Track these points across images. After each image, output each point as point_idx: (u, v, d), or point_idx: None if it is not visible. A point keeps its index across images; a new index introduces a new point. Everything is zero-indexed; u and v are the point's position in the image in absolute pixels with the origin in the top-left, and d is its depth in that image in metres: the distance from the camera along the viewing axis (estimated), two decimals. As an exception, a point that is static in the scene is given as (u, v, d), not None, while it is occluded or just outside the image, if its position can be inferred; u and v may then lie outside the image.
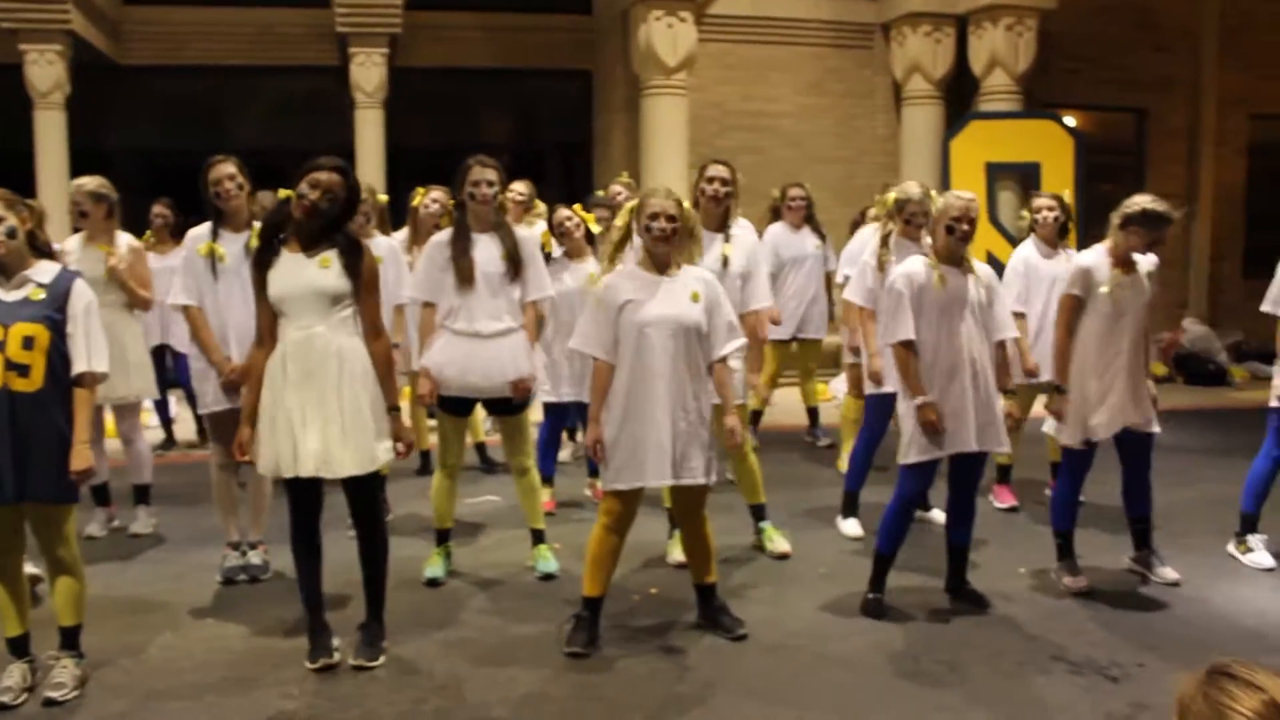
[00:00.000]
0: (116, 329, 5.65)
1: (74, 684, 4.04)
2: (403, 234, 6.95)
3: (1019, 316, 6.09)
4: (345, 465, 4.08)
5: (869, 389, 5.82)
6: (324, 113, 12.21)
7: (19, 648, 4.10)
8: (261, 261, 4.13)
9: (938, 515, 5.82)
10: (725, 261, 5.29)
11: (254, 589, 5.21)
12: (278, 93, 12.57)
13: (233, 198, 5.10)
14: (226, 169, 5.10)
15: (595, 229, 6.35)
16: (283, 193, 4.25)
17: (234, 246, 5.13)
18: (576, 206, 6.41)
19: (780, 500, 6.47)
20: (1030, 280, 6.15)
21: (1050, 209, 6.22)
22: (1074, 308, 4.95)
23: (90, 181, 5.90)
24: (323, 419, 4.05)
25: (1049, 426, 5.14)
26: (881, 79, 12.42)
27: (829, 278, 8.06)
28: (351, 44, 11.11)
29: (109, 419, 6.32)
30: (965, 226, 4.62)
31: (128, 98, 12.14)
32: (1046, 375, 5.99)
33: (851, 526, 5.97)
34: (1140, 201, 4.91)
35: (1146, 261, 5.03)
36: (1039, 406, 6.35)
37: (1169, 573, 5.17)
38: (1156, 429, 5.07)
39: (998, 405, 4.69)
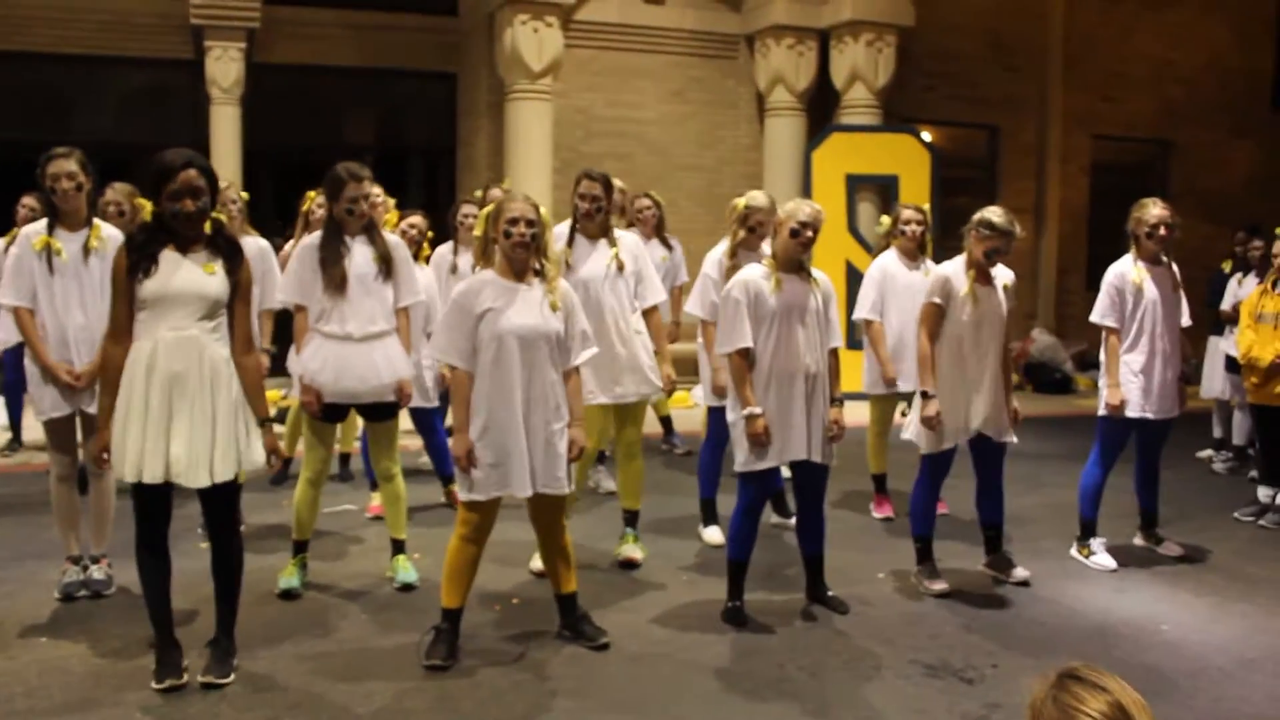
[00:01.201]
0: None
1: None
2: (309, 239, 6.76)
3: (871, 323, 6.26)
4: (213, 471, 3.93)
5: (712, 401, 5.83)
6: (177, 107, 11.78)
7: None
8: (137, 267, 3.91)
9: (794, 522, 5.89)
10: (620, 266, 5.29)
11: (96, 606, 4.95)
12: (128, 85, 12.07)
13: (70, 196, 4.86)
14: (66, 166, 4.84)
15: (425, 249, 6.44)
16: (147, 211, 4.06)
17: (72, 245, 4.89)
18: (425, 225, 6.38)
19: (643, 508, 6.47)
20: (887, 290, 6.29)
21: (916, 220, 6.37)
22: (936, 315, 5.08)
23: None
24: (190, 423, 3.88)
25: (909, 433, 5.25)
26: (745, 89, 12.58)
27: (676, 291, 8.09)
28: (207, 37, 10.77)
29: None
30: (810, 234, 4.67)
31: (-36, 85, 11.52)
32: (905, 384, 6.18)
33: (713, 534, 6.00)
34: (984, 212, 5.09)
35: (1003, 275, 5.19)
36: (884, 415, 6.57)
37: (1020, 572, 5.34)
38: (1012, 439, 5.24)
39: (826, 414, 4.75)
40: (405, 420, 6.66)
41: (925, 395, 5.07)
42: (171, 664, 4.08)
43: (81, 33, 11.40)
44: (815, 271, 4.81)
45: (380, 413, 5.10)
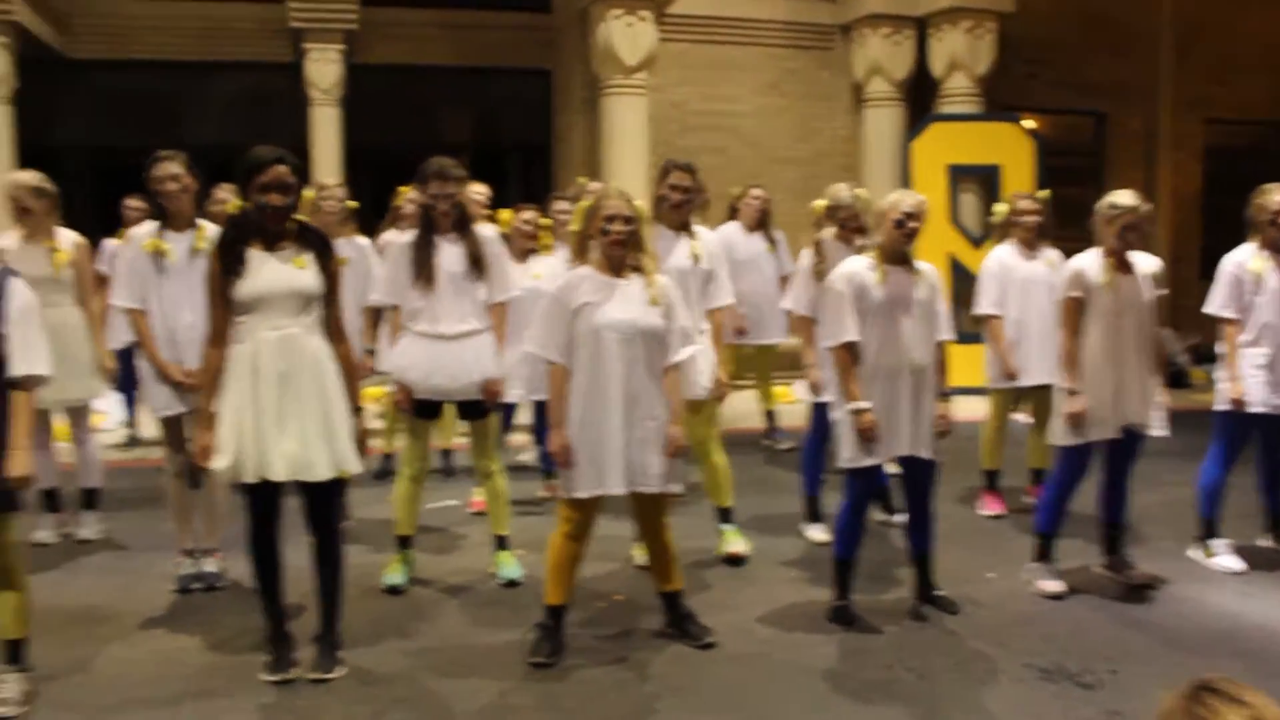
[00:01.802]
0: (64, 329, 5.50)
1: (19, 699, 3.89)
2: (393, 234, 6.86)
3: (993, 319, 6.10)
4: (322, 468, 3.97)
5: (811, 396, 5.75)
6: (278, 110, 11.98)
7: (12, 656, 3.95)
8: (228, 268, 3.97)
9: (902, 519, 5.77)
10: (696, 258, 5.23)
11: (209, 599, 5.07)
12: (230, 89, 12.32)
13: (175, 198, 4.96)
14: (170, 168, 4.95)
15: (549, 244, 6.47)
16: (232, 205, 4.12)
17: (179, 246, 5.00)
18: (546, 222, 6.38)
19: (744, 505, 6.38)
20: (1006, 282, 6.12)
21: (1033, 211, 6.19)
22: (1075, 310, 4.91)
23: (30, 176, 5.73)
24: (300, 420, 3.93)
25: (1052, 431, 5.08)
26: (842, 80, 12.41)
27: (784, 282, 8.01)
28: (306, 40, 10.93)
29: (60, 422, 6.14)
30: (914, 224, 4.56)
31: (75, 92, 11.86)
32: (1027, 379, 6.02)
33: (817, 531, 5.91)
34: (1108, 195, 4.93)
35: (1147, 262, 5.01)
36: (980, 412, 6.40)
37: (1141, 574, 5.15)
38: (1162, 431, 5.04)
39: (932, 409, 4.64)
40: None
41: (1070, 392, 4.90)
42: (283, 657, 4.15)
43: (185, 40, 11.67)
44: (921, 263, 4.70)
45: (475, 411, 5.12)
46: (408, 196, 6.75)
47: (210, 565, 5.21)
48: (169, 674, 4.22)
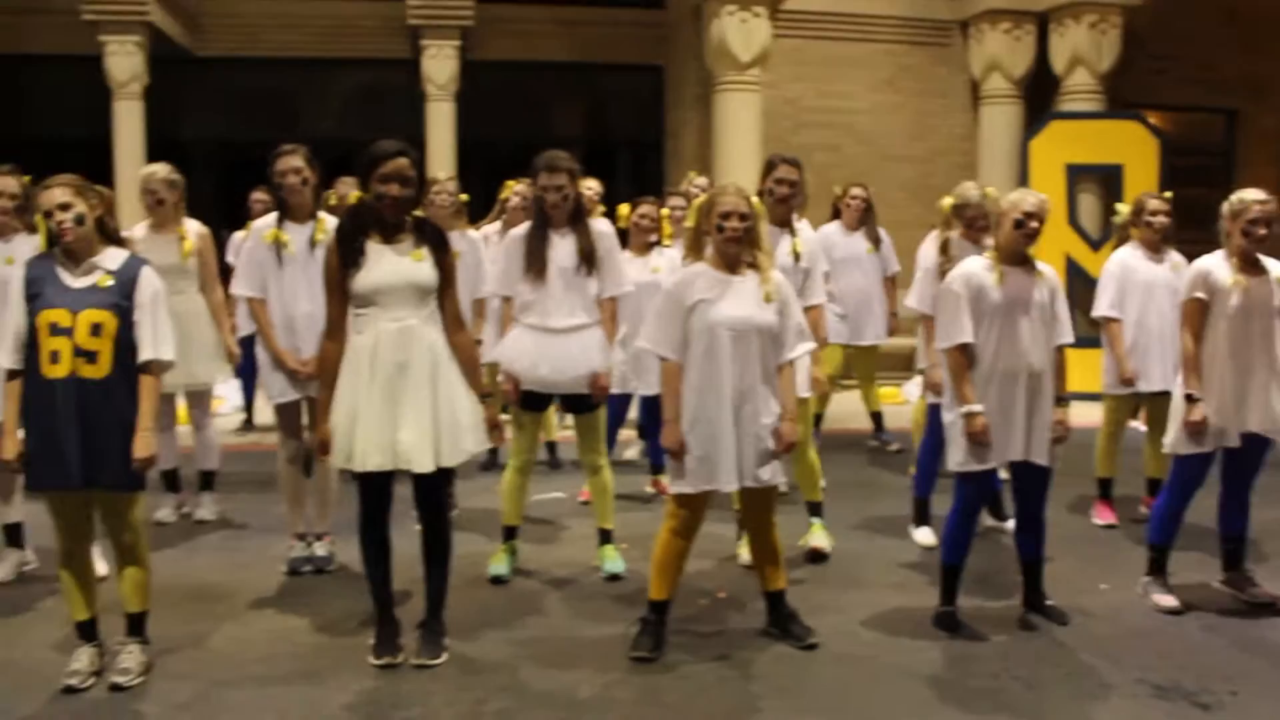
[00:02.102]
0: (187, 316, 5.68)
1: (139, 670, 4.04)
2: (493, 227, 6.98)
3: (1112, 321, 5.91)
4: (435, 459, 4.02)
5: (930, 398, 5.67)
6: (395, 105, 12.24)
7: (87, 632, 4.10)
8: (346, 260, 4.05)
9: (1012, 526, 5.65)
10: (797, 256, 5.19)
11: (318, 581, 5.19)
12: (350, 85, 12.63)
13: (296, 190, 5.08)
14: (292, 161, 5.08)
15: (668, 241, 6.45)
16: (353, 196, 4.20)
17: (299, 237, 5.12)
18: (665, 212, 6.39)
19: (850, 507, 6.35)
20: (1127, 285, 5.91)
21: (1162, 211, 5.96)
22: (1198, 312, 4.72)
23: (162, 168, 5.93)
24: (416, 411, 3.99)
25: (1169, 439, 4.91)
26: (959, 77, 12.19)
27: (890, 282, 7.93)
28: (423, 37, 11.12)
29: (181, 405, 6.35)
30: (1035, 224, 4.43)
31: (203, 89, 12.27)
32: (1145, 385, 5.83)
33: (924, 535, 5.81)
34: (1234, 194, 4.73)
35: (1275, 267, 4.80)
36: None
37: (1264, 592, 4.95)
38: None
39: (1049, 414, 4.50)
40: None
41: (1190, 399, 4.73)
42: (389, 642, 4.21)
43: (307, 37, 11.99)
44: (1041, 264, 4.57)
45: (581, 404, 5.14)
46: (514, 190, 6.83)
47: (320, 549, 5.33)
48: (279, 653, 4.33)
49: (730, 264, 4.23)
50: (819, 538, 5.54)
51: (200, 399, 6.21)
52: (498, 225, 7.01)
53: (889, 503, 6.54)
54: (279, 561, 5.34)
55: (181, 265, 5.81)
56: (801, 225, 5.39)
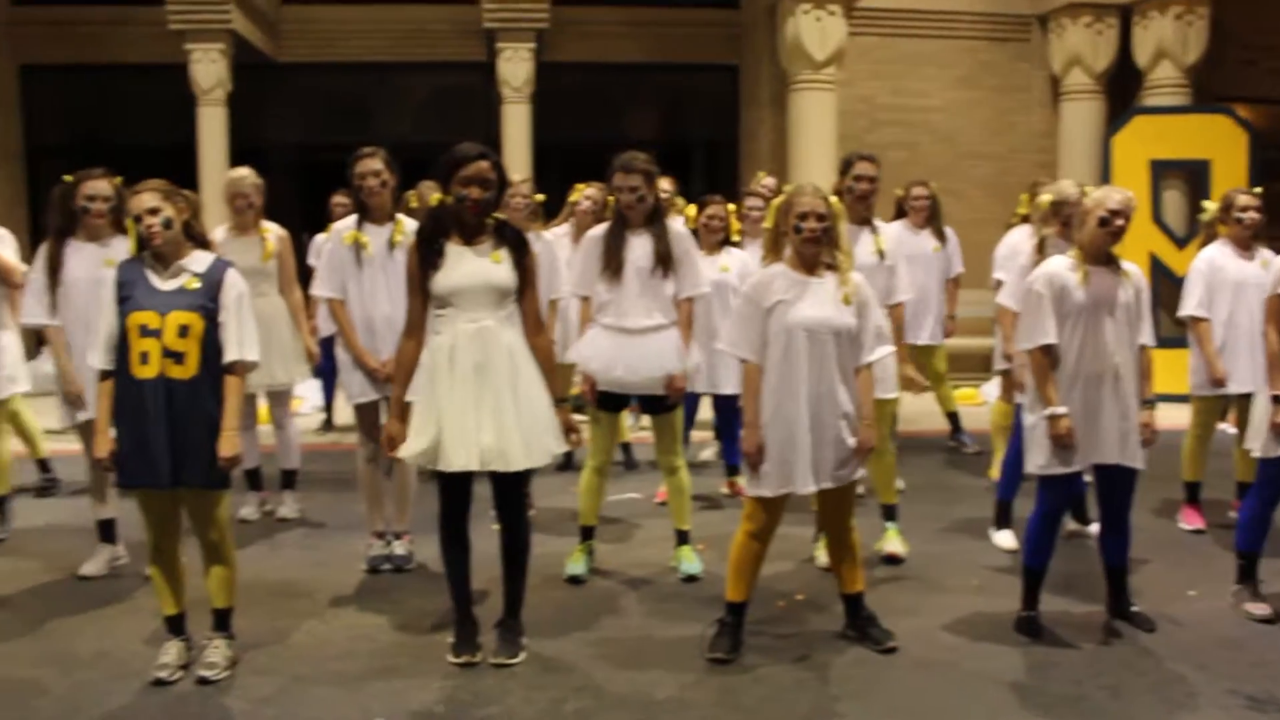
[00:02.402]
0: (268, 317, 5.78)
1: (225, 664, 4.12)
2: (563, 229, 7.02)
3: (1199, 321, 5.77)
4: (519, 459, 4.05)
5: (1018, 398, 5.56)
6: (470, 108, 12.36)
7: (176, 626, 4.20)
8: (426, 261, 4.10)
9: (1096, 530, 5.54)
10: (881, 254, 5.13)
11: (397, 579, 5.25)
12: (425, 88, 12.77)
13: (375, 193, 5.14)
14: (372, 164, 5.14)
15: (734, 234, 6.43)
16: (434, 198, 4.25)
17: (378, 239, 5.18)
18: (732, 208, 6.38)
19: (929, 510, 6.28)
20: (1215, 283, 5.76)
21: (1254, 207, 5.79)
22: None
23: (250, 173, 6.03)
24: (493, 412, 4.02)
25: (1254, 442, 4.77)
26: (1038, 72, 11.98)
27: (953, 284, 7.83)
28: (499, 39, 11.19)
29: (263, 405, 6.47)
30: (1120, 222, 4.33)
31: (282, 94, 12.48)
32: (1235, 386, 5.68)
33: (1005, 539, 5.71)
34: None
35: None
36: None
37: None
38: None
39: (1135, 416, 4.40)
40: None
41: (1277, 400, 4.57)
42: (468, 640, 4.25)
43: (384, 42, 12.13)
44: (1126, 263, 4.47)
45: (657, 405, 5.13)
46: (584, 194, 6.86)
47: (399, 548, 5.39)
48: (358, 649, 4.39)
49: (809, 265, 4.20)
50: (894, 543, 5.49)
51: (281, 399, 6.32)
52: (567, 227, 7.05)
53: (967, 505, 6.46)
54: (358, 559, 5.41)
55: (262, 267, 5.92)
56: (880, 223, 5.35)
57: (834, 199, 4.25)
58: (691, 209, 6.45)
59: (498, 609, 4.39)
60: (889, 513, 5.55)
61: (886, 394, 5.18)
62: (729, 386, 6.21)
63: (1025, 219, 6.37)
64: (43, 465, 6.94)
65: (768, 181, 7.80)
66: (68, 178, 5.22)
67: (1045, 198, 5.53)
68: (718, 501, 6.60)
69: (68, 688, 4.04)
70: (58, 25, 11.76)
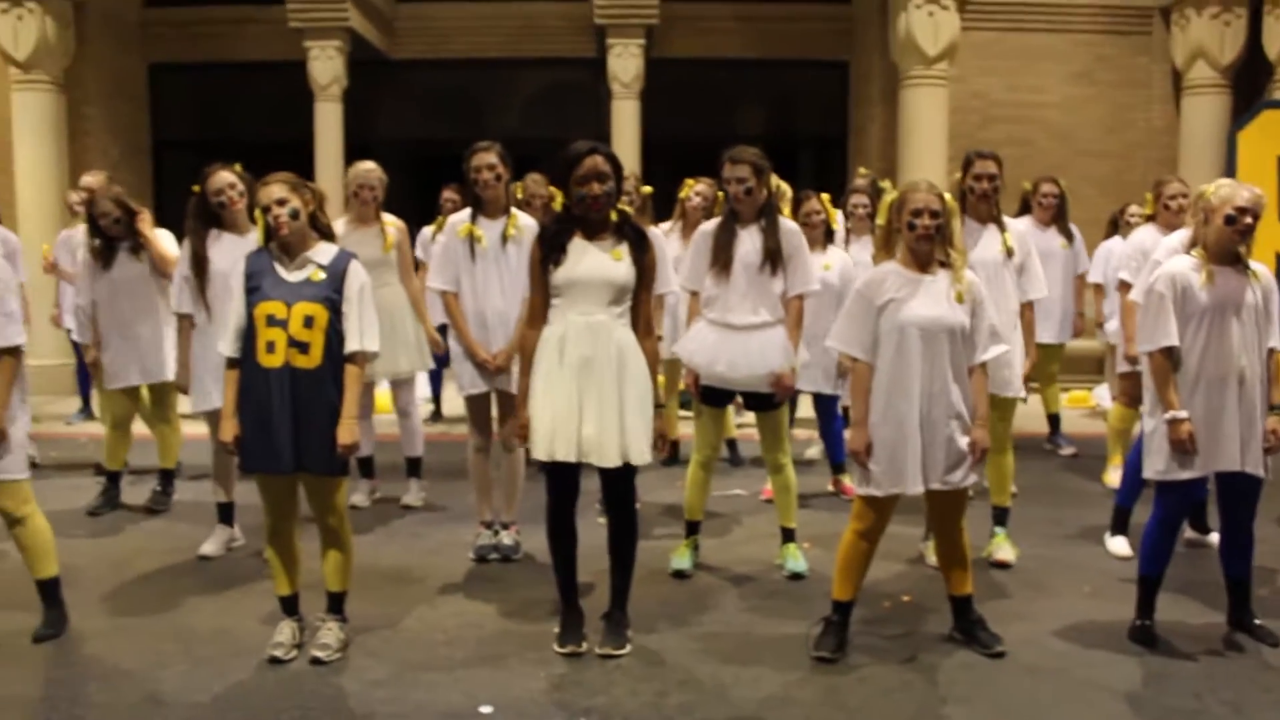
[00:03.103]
0: (391, 307, 5.91)
1: (338, 646, 4.23)
2: (671, 224, 7.04)
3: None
4: (616, 455, 4.09)
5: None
6: (580, 103, 12.47)
7: (289, 607, 4.33)
8: (548, 256, 4.15)
9: (1215, 540, 5.37)
10: (1009, 251, 5.07)
11: (504, 569, 5.33)
12: (536, 84, 12.91)
13: (490, 186, 5.21)
14: (487, 158, 5.21)
15: (835, 227, 6.40)
16: (558, 202, 4.29)
17: (491, 232, 5.25)
18: (825, 198, 6.32)
19: (1040, 513, 6.16)
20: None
21: None
22: None
23: (376, 166, 6.15)
24: (599, 406, 4.07)
25: None
26: (1159, 66, 11.62)
27: (1080, 281, 7.66)
28: (609, 35, 11.26)
29: (383, 394, 6.60)
30: (1249, 220, 4.19)
31: (396, 90, 12.73)
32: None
33: (1119, 545, 5.57)
34: None
35: None
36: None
37: None
38: None
39: (1262, 422, 4.25)
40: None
41: None
42: (574, 631, 4.30)
43: (495, 39, 12.31)
44: (1255, 264, 4.33)
45: (762, 403, 5.12)
46: (694, 190, 6.85)
47: (507, 538, 5.47)
48: (466, 637, 4.47)
49: (921, 262, 4.15)
50: (1004, 550, 5.39)
51: (405, 388, 6.43)
52: (678, 224, 7.05)
53: (1081, 509, 6.32)
54: (466, 548, 5.51)
55: (384, 257, 6.04)
56: (1008, 219, 5.28)
57: (948, 195, 4.19)
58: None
59: (603, 601, 4.43)
60: (1000, 516, 5.45)
61: (1010, 393, 5.10)
62: (827, 385, 6.22)
63: (1151, 218, 6.21)
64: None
65: (859, 183, 7.72)
66: (196, 188, 5.39)
67: (1208, 188, 5.32)
68: (824, 500, 6.56)
69: (189, 663, 4.20)
70: (185, 25, 12.21)
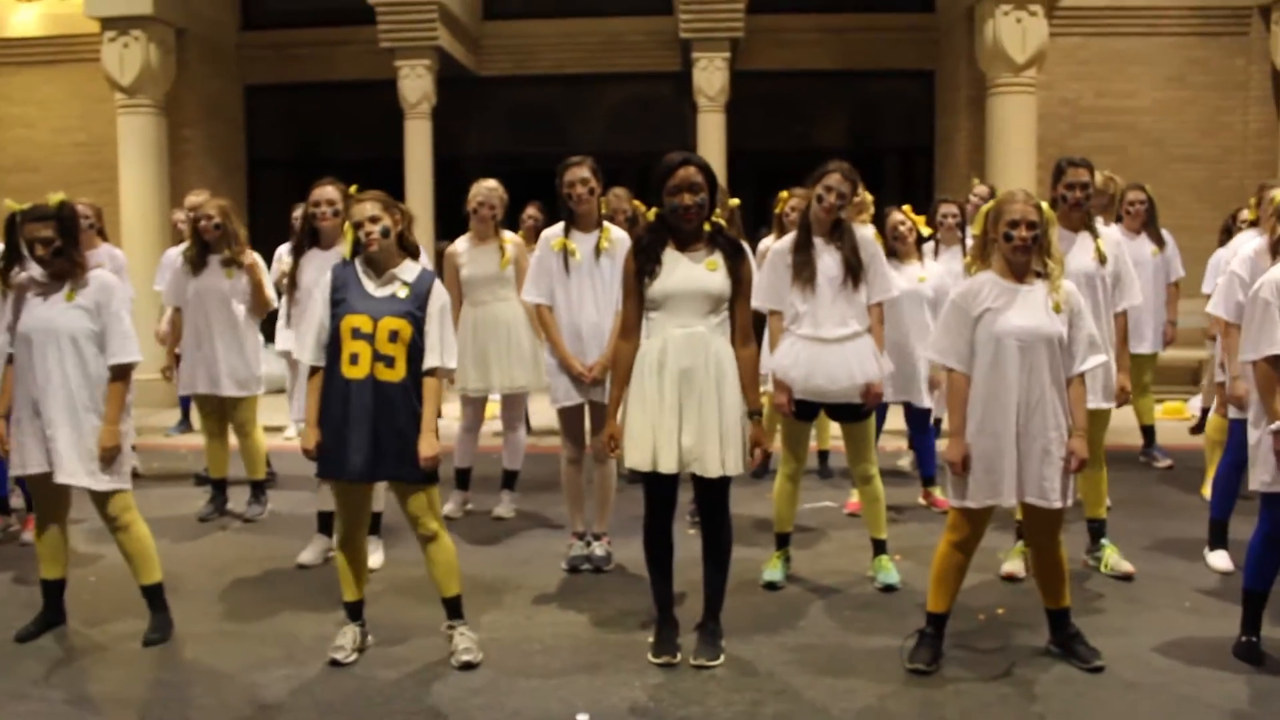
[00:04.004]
0: (510, 321, 6.02)
1: (477, 646, 4.34)
2: (770, 240, 7.01)
3: None
4: (713, 465, 4.12)
5: (1232, 413, 5.31)
6: (663, 117, 12.55)
7: (354, 612, 4.45)
8: (643, 269, 4.19)
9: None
10: (1102, 257, 5.00)
11: (596, 579, 5.39)
12: (618, 99, 13.02)
13: (583, 200, 5.28)
14: (580, 173, 5.29)
15: (925, 231, 6.35)
16: (651, 214, 4.34)
17: (585, 245, 5.32)
18: (907, 208, 6.30)
19: (1137, 526, 6.05)
20: None
21: None
22: None
23: (498, 185, 6.21)
24: (697, 417, 4.10)
25: None
26: (1257, 68, 11.37)
27: (1174, 289, 7.52)
28: (695, 49, 11.31)
29: (493, 407, 6.69)
30: None
31: (483, 106, 12.92)
32: None
33: (1220, 559, 5.44)
34: None
35: None
36: None
37: None
38: None
39: None
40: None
41: None
42: (668, 641, 4.33)
43: (580, 54, 12.45)
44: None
45: (851, 414, 5.11)
46: (789, 204, 6.81)
47: (599, 549, 5.52)
48: (562, 646, 4.53)
49: (1018, 273, 4.12)
50: (1120, 561, 5.31)
51: (517, 402, 6.49)
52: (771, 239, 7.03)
53: (1178, 522, 6.20)
54: (558, 559, 5.58)
55: (501, 273, 6.12)
56: (1102, 228, 5.21)
57: (1045, 205, 4.15)
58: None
59: (695, 611, 4.45)
60: (1099, 529, 5.38)
61: (1104, 403, 5.03)
62: (912, 397, 6.21)
63: (1254, 224, 6.08)
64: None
65: (980, 190, 7.66)
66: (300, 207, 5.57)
67: (1277, 194, 5.23)
68: (915, 512, 6.52)
69: (291, 668, 4.32)
70: (279, 48, 12.56)
